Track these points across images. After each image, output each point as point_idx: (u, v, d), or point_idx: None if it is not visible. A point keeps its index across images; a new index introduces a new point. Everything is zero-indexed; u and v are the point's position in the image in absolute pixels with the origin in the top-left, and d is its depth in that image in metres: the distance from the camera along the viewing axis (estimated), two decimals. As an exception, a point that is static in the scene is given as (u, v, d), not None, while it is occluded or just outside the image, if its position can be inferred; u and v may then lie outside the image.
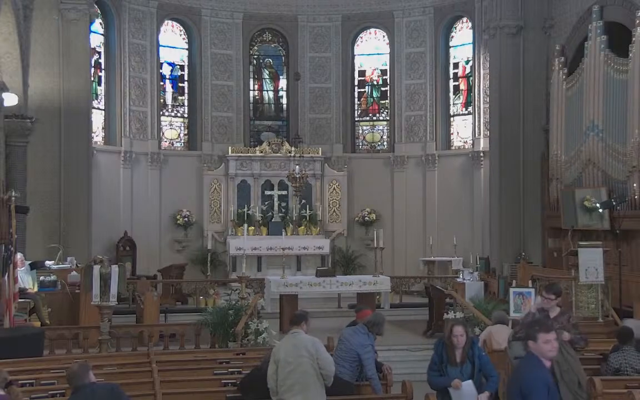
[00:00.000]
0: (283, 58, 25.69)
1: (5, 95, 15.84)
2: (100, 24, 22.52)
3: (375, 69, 25.58)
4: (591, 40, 18.04)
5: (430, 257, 22.07)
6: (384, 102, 25.46)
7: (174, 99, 24.80)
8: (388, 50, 25.16)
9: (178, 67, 24.82)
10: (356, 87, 25.71)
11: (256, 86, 25.71)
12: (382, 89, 25.47)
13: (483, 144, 22.62)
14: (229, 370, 9.38)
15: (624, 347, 8.84)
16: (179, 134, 24.79)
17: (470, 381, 7.61)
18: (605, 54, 17.53)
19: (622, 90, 16.95)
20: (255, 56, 25.62)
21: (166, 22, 24.25)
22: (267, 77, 25.84)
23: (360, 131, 25.76)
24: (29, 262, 14.56)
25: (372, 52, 25.62)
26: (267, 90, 25.85)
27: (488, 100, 22.10)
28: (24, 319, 12.69)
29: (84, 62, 19.04)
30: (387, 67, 25.27)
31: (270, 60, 25.86)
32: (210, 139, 24.27)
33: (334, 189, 24.43)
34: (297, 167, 21.44)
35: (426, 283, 18.70)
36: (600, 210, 17.02)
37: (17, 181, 17.02)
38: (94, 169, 20.15)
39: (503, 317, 10.96)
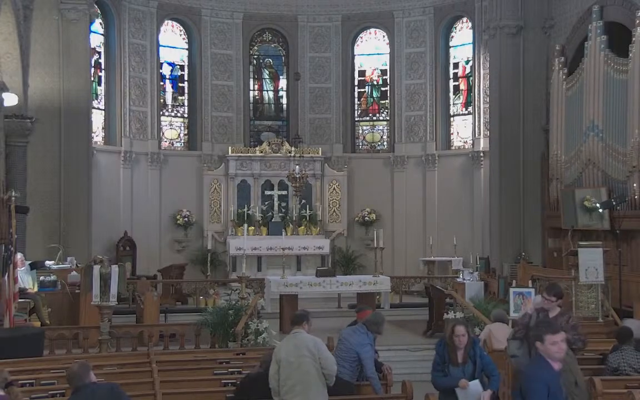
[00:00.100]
0: (283, 58, 25.69)
1: (5, 95, 15.84)
2: (100, 24, 22.52)
3: (375, 69, 25.58)
4: (591, 40, 18.04)
5: (430, 257, 22.08)
6: (384, 102, 25.46)
7: (174, 99, 24.80)
8: (388, 50, 25.16)
9: (178, 67, 24.82)
10: (356, 87, 25.71)
11: (256, 86, 25.72)
12: (382, 89, 25.47)
13: (483, 144, 22.62)
14: (229, 370, 9.38)
15: (622, 347, 8.85)
16: (179, 134, 24.79)
17: (477, 381, 7.59)
18: (605, 54, 17.53)
19: (622, 90, 16.95)
20: (255, 56, 25.62)
21: (166, 22, 24.26)
22: (267, 77, 25.85)
23: (360, 131, 25.76)
24: (29, 262, 14.57)
25: (372, 52, 25.62)
26: (267, 90, 25.85)
27: (488, 100, 22.11)
28: (24, 319, 12.69)
29: (84, 62, 19.04)
30: (387, 67, 25.27)
31: (270, 60, 25.87)
32: (210, 139, 24.28)
33: (334, 189, 24.44)
34: (297, 167, 21.44)
35: (426, 283, 18.69)
36: (600, 210, 17.02)
37: (17, 181, 17.02)
38: (94, 169, 20.15)
39: (502, 315, 10.98)
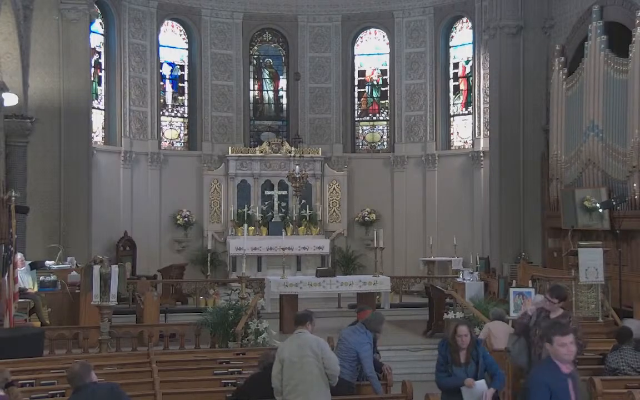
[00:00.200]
0: (283, 58, 25.69)
1: (5, 95, 15.84)
2: (100, 24, 22.53)
3: (375, 69, 25.58)
4: (591, 40, 18.04)
5: (430, 257, 22.08)
6: (384, 102, 25.46)
7: (174, 99, 24.80)
8: (388, 50, 25.16)
9: (178, 67, 24.82)
10: (356, 87, 25.71)
11: (256, 86, 25.72)
12: (382, 89, 25.47)
13: (483, 144, 22.62)
14: (229, 370, 9.38)
15: (622, 347, 8.86)
16: (179, 134, 24.79)
17: (482, 381, 7.57)
18: (605, 54, 17.53)
19: (622, 90, 16.95)
20: (255, 56, 25.62)
21: (166, 22, 24.26)
22: (267, 77, 25.85)
23: (360, 131, 25.76)
24: (29, 262, 14.56)
25: (372, 52, 25.63)
26: (267, 90, 25.85)
27: (488, 100, 22.11)
28: (24, 319, 12.69)
29: (84, 62, 19.04)
30: (387, 67, 25.27)
31: (270, 60, 25.87)
32: (210, 139, 24.28)
33: (334, 189, 24.43)
34: (297, 167, 21.44)
35: (426, 283, 18.69)
36: (600, 210, 17.02)
37: (17, 181, 17.02)
38: (94, 169, 20.15)
39: (501, 314, 11.02)
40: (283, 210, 23.88)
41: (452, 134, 24.42)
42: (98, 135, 22.44)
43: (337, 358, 7.79)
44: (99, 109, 22.54)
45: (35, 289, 14.12)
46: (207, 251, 19.95)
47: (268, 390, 7.61)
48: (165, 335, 12.47)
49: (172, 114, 24.74)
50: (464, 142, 24.01)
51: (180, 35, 24.76)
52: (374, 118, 25.75)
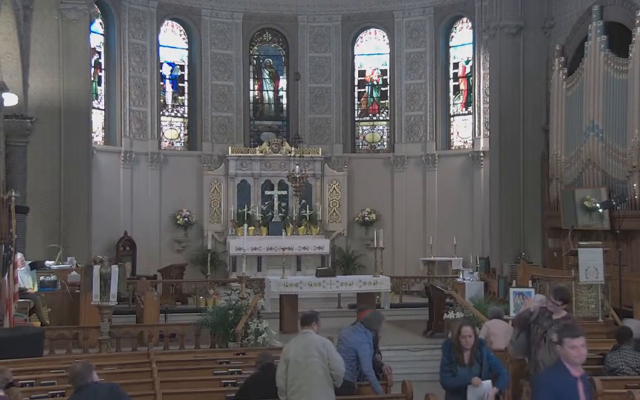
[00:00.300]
0: (283, 58, 25.69)
1: (5, 95, 15.83)
2: (100, 24, 22.53)
3: (375, 69, 25.58)
4: (591, 40, 18.04)
5: (430, 257, 22.08)
6: (384, 102, 25.46)
7: (174, 99, 24.80)
8: (388, 50, 25.17)
9: (178, 67, 24.82)
10: (356, 87, 25.71)
11: (256, 86, 25.72)
12: (382, 89, 25.47)
13: (483, 144, 22.62)
14: (229, 370, 9.38)
15: (621, 347, 8.86)
16: (179, 134, 24.79)
17: (489, 381, 7.54)
18: (605, 54, 17.53)
19: (622, 90, 16.95)
20: (255, 56, 25.62)
21: (166, 22, 24.26)
22: (267, 77, 25.85)
23: (360, 131, 25.76)
24: (29, 262, 14.56)
25: (372, 52, 25.63)
26: (267, 90, 25.85)
27: (488, 100, 22.11)
28: (24, 319, 12.69)
29: (84, 62, 19.04)
30: (387, 67, 25.27)
31: (270, 60, 25.87)
32: (210, 139, 24.28)
33: (334, 189, 24.44)
34: (297, 167, 21.44)
35: (426, 283, 18.68)
36: (600, 210, 17.02)
37: (17, 181, 17.01)
38: (94, 169, 20.15)
39: (499, 312, 11.05)
40: (283, 210, 23.88)
41: (452, 134, 24.42)
42: (98, 135, 22.44)
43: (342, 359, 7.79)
44: (99, 109, 22.54)
45: (35, 289, 14.12)
46: (207, 251, 19.95)
47: (267, 391, 7.61)
48: (165, 335, 12.47)
49: (172, 114, 24.74)
50: (464, 142, 24.01)
51: (180, 35, 24.76)
52: (374, 118, 25.75)
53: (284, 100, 25.78)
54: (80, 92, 18.70)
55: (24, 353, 9.86)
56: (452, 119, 24.49)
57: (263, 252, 22.21)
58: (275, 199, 23.89)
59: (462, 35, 24.28)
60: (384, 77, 25.40)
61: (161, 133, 24.19)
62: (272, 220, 23.61)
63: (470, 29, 23.78)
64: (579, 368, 5.67)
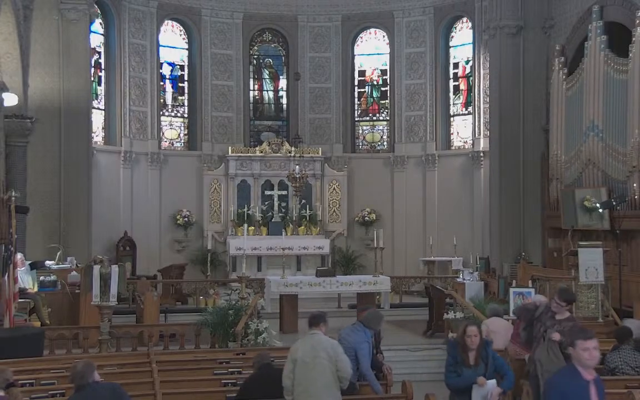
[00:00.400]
0: (283, 58, 25.69)
1: (5, 95, 15.83)
2: (100, 24, 22.53)
3: (375, 69, 25.58)
4: (591, 40, 18.04)
5: (430, 257, 22.08)
6: (384, 102, 25.46)
7: (174, 99, 24.80)
8: (388, 50, 25.17)
9: (178, 67, 24.82)
10: (356, 87, 25.71)
11: (256, 86, 25.72)
12: (382, 89, 25.47)
13: (483, 144, 22.62)
14: (229, 370, 9.38)
15: (621, 347, 8.86)
16: (179, 134, 24.79)
17: (494, 381, 7.50)
18: (605, 54, 17.52)
19: (622, 90, 16.95)
20: (255, 56, 25.62)
21: (166, 22, 24.26)
22: (267, 77, 25.85)
23: (360, 131, 25.76)
24: (29, 262, 14.56)
25: (372, 52, 25.63)
26: (267, 90, 25.85)
27: (488, 100, 22.11)
28: (24, 319, 12.69)
29: (84, 62, 19.04)
30: (387, 67, 25.27)
31: (270, 60, 25.87)
32: (210, 139, 24.28)
33: (334, 189, 24.44)
34: (297, 167, 21.44)
35: (426, 283, 18.68)
36: (600, 210, 17.02)
37: (17, 181, 17.01)
38: (94, 169, 20.15)
39: (497, 309, 11.06)
40: (283, 210, 23.88)
41: (452, 134, 24.42)
42: (98, 135, 22.44)
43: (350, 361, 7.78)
44: (99, 109, 22.54)
45: (35, 289, 14.12)
46: (207, 251, 19.94)
47: (266, 391, 7.61)
48: (165, 335, 12.46)
49: (172, 114, 24.74)
50: (464, 142, 24.01)
51: (180, 35, 24.76)
52: (374, 118, 25.75)
53: (284, 100, 25.77)
54: (80, 92, 18.70)
55: (24, 353, 9.86)
56: (452, 119, 24.49)
57: (263, 252, 22.21)
58: (275, 199, 23.89)
59: (462, 35, 24.28)
60: (384, 77, 25.40)
61: (161, 133, 24.19)
62: (272, 220, 23.61)
63: (470, 29, 23.78)
64: (592, 371, 5.60)
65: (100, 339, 11.75)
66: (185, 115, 24.87)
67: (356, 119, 25.73)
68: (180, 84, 24.86)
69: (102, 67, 22.80)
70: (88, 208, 19.13)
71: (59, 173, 18.32)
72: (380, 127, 25.62)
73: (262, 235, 23.14)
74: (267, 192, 23.97)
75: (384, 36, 25.27)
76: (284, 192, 23.89)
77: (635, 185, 16.05)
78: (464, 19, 24.07)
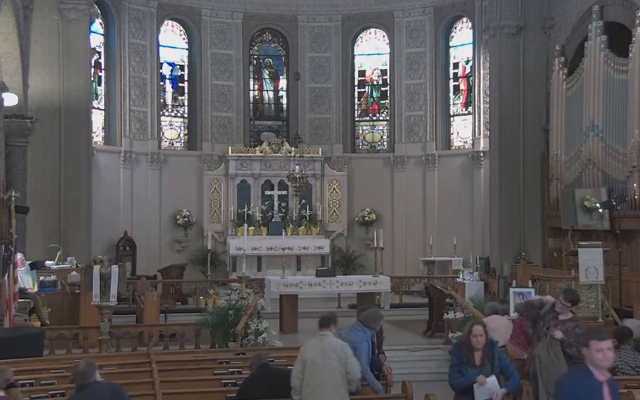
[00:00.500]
0: (283, 58, 25.69)
1: (5, 95, 15.83)
2: (100, 24, 22.53)
3: (375, 69, 25.58)
4: (591, 40, 18.04)
5: (430, 257, 22.08)
6: (384, 102, 25.47)
7: (174, 99, 24.80)
8: (388, 50, 25.17)
9: (178, 67, 24.82)
10: (356, 87, 25.71)
11: (256, 86, 25.72)
12: (382, 89, 25.47)
13: (483, 144, 22.62)
14: (229, 370, 9.38)
15: (621, 347, 8.86)
16: (179, 134, 24.79)
17: (493, 377, 7.45)
18: (605, 54, 17.52)
19: (622, 90, 16.95)
20: (255, 56, 25.62)
21: (166, 22, 24.26)
22: (267, 77, 25.85)
23: (360, 131, 25.76)
24: (29, 262, 14.56)
25: (372, 52, 25.63)
26: (267, 90, 25.85)
27: (488, 100, 22.11)
28: (24, 319, 12.69)
29: (84, 62, 19.04)
30: (387, 67, 25.27)
31: (270, 60, 25.87)
32: (210, 139, 24.28)
33: (334, 189, 24.44)
34: (297, 167, 21.44)
35: (426, 283, 18.69)
36: (600, 210, 17.02)
37: (17, 181, 17.01)
38: (94, 169, 20.15)
39: (496, 307, 11.06)
40: (283, 210, 23.88)
41: (452, 134, 24.42)
42: (98, 135, 22.44)
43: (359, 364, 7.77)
44: (99, 109, 22.54)
45: (35, 289, 14.12)
46: (207, 251, 19.94)
47: (264, 391, 7.62)
48: (165, 335, 12.47)
49: (172, 114, 24.74)
50: (464, 142, 24.01)
51: (180, 35, 24.76)
52: (374, 118, 25.75)
53: (284, 100, 25.78)
54: (80, 92, 18.70)
55: (24, 353, 9.86)
56: (452, 119, 24.49)
57: (263, 252, 22.21)
58: (275, 199, 23.89)
59: (462, 35, 24.28)
60: (384, 77, 25.40)
61: (161, 133, 24.19)
62: (272, 220, 23.61)
63: (470, 29, 23.78)
64: (605, 372, 5.54)
65: (100, 339, 11.76)
66: (185, 115, 24.87)
67: (356, 119, 25.73)
68: (180, 84, 24.86)
69: (102, 67, 22.80)
70: (88, 208, 19.13)
71: (59, 173, 18.32)
72: (380, 127, 25.62)
73: (262, 235, 23.14)
74: (267, 192, 23.97)
75: (384, 36, 25.27)
76: (284, 192, 23.89)
77: (635, 185, 16.04)
78: (464, 19, 24.07)
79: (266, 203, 23.80)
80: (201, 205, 23.74)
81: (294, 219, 23.58)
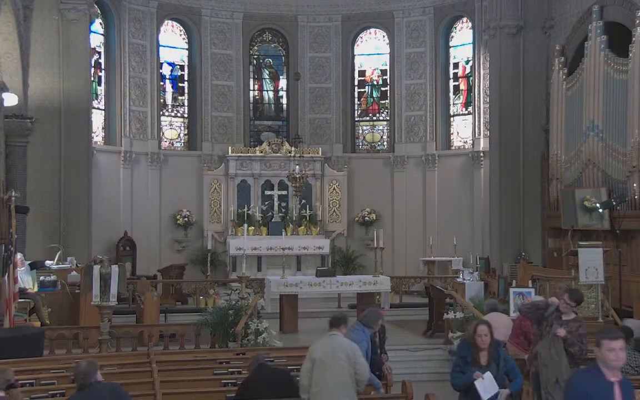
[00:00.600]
0: (283, 58, 25.69)
1: (5, 95, 15.83)
2: (100, 24, 22.53)
3: (375, 69, 25.58)
4: (591, 40, 18.04)
5: (430, 257, 22.08)
6: (384, 102, 25.46)
7: (174, 99, 24.80)
8: (388, 50, 25.17)
9: (178, 67, 24.82)
10: (356, 87, 25.71)
11: (256, 86, 25.72)
12: (382, 89, 25.47)
13: (483, 144, 22.62)
14: (229, 370, 9.39)
15: (621, 347, 8.83)
16: (179, 134, 24.79)
17: (489, 373, 7.41)
18: (605, 54, 17.53)
19: (622, 90, 16.95)
20: (255, 56, 25.62)
21: (166, 22, 24.26)
22: (267, 77, 25.85)
23: (360, 131, 25.76)
24: (29, 262, 14.56)
25: (372, 52, 25.63)
26: (267, 90, 25.85)
27: (488, 100, 22.11)
28: (24, 319, 12.69)
29: (84, 62, 19.04)
30: (387, 67, 25.27)
31: (270, 60, 25.87)
32: (210, 139, 24.28)
33: (334, 189, 24.44)
34: (297, 167, 21.44)
35: (426, 283, 18.69)
36: (600, 210, 17.02)
37: (17, 181, 17.01)
38: (94, 169, 20.15)
39: (495, 304, 11.06)
40: (283, 210, 23.88)
41: (452, 134, 24.42)
42: (98, 135, 22.44)
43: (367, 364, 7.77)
44: (99, 109, 22.54)
45: (35, 289, 14.12)
46: (207, 251, 19.94)
47: (263, 391, 7.62)
48: (165, 335, 12.47)
49: (172, 114, 24.74)
50: (464, 142, 24.01)
51: (180, 35, 24.76)
52: (374, 118, 25.75)
53: (284, 100, 25.77)
54: (80, 92, 18.70)
55: (24, 353, 9.86)
56: (452, 119, 24.49)
57: (263, 252, 22.21)
58: (275, 199, 23.89)
59: (462, 35, 24.28)
60: (384, 77, 25.40)
61: (161, 133, 24.19)
62: (272, 220, 23.61)
63: (470, 29, 23.78)
64: (617, 372, 5.40)
65: (100, 339, 11.76)
66: (185, 115, 24.87)
67: (356, 119, 25.73)
68: (180, 84, 24.86)
69: (102, 67, 22.80)
70: (88, 208, 19.13)
71: (59, 173, 18.32)
72: (380, 127, 25.62)
73: (262, 235, 23.14)
74: (267, 192, 23.97)
75: (384, 36, 25.27)
76: (284, 192, 23.89)
77: (635, 185, 16.05)
78: (464, 19, 24.07)
79: (266, 203, 23.80)
80: (201, 205, 23.74)
81: (294, 219, 23.58)
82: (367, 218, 24.31)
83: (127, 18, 22.97)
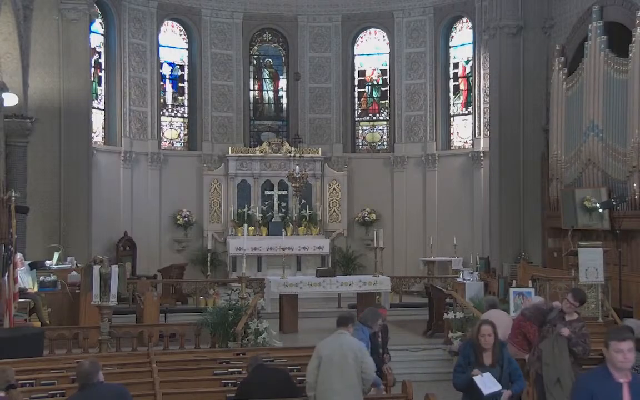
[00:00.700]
0: (283, 58, 25.69)
1: (5, 95, 15.83)
2: (100, 24, 22.53)
3: (375, 69, 25.59)
4: (591, 40, 18.04)
5: (430, 257, 22.08)
6: (384, 102, 25.47)
7: (174, 99, 24.80)
8: (388, 50, 25.17)
9: (178, 67, 24.82)
10: (356, 87, 25.72)
11: (256, 86, 25.72)
12: (382, 89, 25.48)
13: (483, 144, 22.62)
14: (229, 370, 9.39)
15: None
16: (179, 134, 24.79)
17: (488, 373, 7.34)
18: (605, 54, 17.52)
19: (622, 90, 16.95)
20: (255, 56, 25.62)
21: (166, 22, 24.26)
22: (267, 77, 25.85)
23: (360, 131, 25.76)
24: (29, 262, 14.56)
25: (372, 52, 25.63)
26: (267, 90, 25.85)
27: (488, 100, 22.11)
28: (24, 319, 12.70)
29: (84, 62, 19.04)
30: (387, 67, 25.28)
31: (270, 60, 25.87)
32: (210, 139, 24.28)
33: (334, 189, 24.44)
34: (297, 167, 21.44)
35: (426, 283, 18.70)
36: (600, 210, 17.02)
37: (17, 181, 17.02)
38: (94, 169, 20.15)
39: (494, 300, 11.03)
40: (283, 210, 23.89)
41: (452, 134, 24.42)
42: (98, 135, 22.45)
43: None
44: (99, 109, 22.55)
45: (35, 289, 14.12)
46: (207, 251, 19.94)
47: (262, 391, 7.62)
48: (165, 335, 12.48)
49: (172, 114, 24.74)
50: (464, 142, 24.01)
51: (180, 35, 24.76)
52: (374, 118, 25.75)
53: (284, 100, 25.78)
54: (80, 92, 18.70)
55: (24, 353, 9.86)
56: (452, 119, 24.49)
57: (263, 252, 22.22)
58: (275, 199, 23.89)
59: (462, 35, 24.28)
60: (384, 77, 25.40)
61: (161, 133, 24.19)
62: (272, 220, 23.61)
63: (470, 29, 23.78)
64: (626, 373, 5.27)
65: (100, 339, 11.76)
66: (185, 115, 24.87)
67: (356, 119, 25.73)
68: (180, 84, 24.87)
69: (102, 67, 22.80)
70: (88, 208, 19.13)
71: (59, 173, 18.32)
72: (380, 127, 25.62)
73: (262, 235, 23.15)
74: (267, 192, 23.97)
75: (384, 36, 25.27)
76: (284, 192, 23.89)
77: (635, 185, 16.05)
78: (464, 19, 24.07)
79: (266, 203, 23.81)
80: (201, 205, 23.75)
81: (294, 219, 23.58)
82: (367, 218, 24.31)
83: (127, 18, 22.98)
